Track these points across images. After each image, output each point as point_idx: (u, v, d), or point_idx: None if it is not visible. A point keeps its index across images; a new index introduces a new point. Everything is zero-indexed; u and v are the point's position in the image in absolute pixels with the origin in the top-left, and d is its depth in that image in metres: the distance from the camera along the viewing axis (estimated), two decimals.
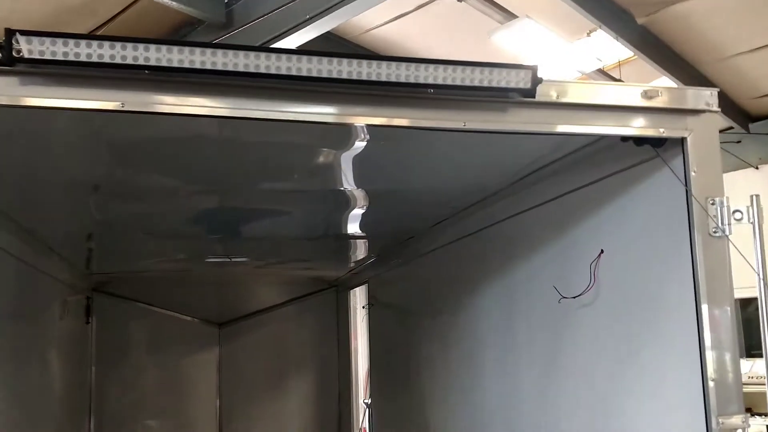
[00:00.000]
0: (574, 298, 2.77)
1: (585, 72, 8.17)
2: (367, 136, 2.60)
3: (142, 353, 7.61)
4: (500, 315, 3.84)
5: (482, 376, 4.09)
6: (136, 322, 7.61)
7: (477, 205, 3.93)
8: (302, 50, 2.59)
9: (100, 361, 7.04)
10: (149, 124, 2.52)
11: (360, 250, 6.12)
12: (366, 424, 7.46)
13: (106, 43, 1.95)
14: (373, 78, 2.09)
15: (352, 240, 5.63)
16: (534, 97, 2.25)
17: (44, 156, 2.91)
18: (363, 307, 6.92)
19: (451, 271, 4.71)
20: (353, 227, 4.97)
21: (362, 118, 2.24)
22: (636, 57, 7.43)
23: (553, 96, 2.31)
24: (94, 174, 3.35)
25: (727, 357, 2.27)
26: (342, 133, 2.57)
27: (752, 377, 7.36)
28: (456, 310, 4.57)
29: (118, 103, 2.01)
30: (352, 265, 6.83)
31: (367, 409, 7.30)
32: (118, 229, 4.85)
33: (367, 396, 7.49)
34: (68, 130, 2.62)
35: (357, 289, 7.56)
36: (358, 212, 4.33)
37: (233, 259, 6.01)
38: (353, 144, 2.75)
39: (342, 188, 3.66)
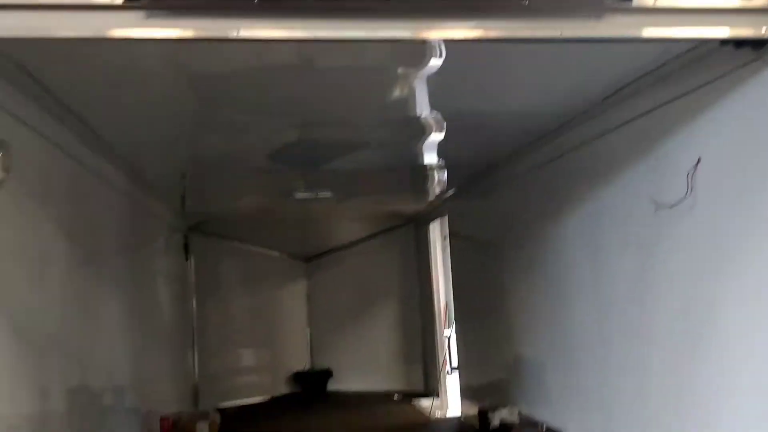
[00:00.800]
0: (671, 207, 2.77)
1: None
2: (455, 54, 2.65)
3: (237, 288, 8.11)
4: (589, 237, 3.86)
5: (570, 301, 4.16)
6: (230, 259, 8.08)
7: (564, 127, 3.91)
8: None
9: (200, 296, 7.55)
10: (236, 54, 2.68)
11: (439, 181, 6.19)
12: (447, 356, 7.69)
13: None
14: None
15: (431, 170, 5.71)
16: (631, 2, 2.23)
17: (147, 90, 3.12)
18: (444, 239, 7.04)
19: (536, 197, 4.73)
20: (432, 156, 5.05)
21: (454, 31, 2.29)
22: None
23: (649, 2, 2.28)
24: (193, 108, 3.56)
25: None
26: (427, 51, 2.63)
27: None
28: (541, 236, 4.61)
29: (234, 31, 2.15)
30: (431, 197, 6.93)
31: (448, 341, 7.54)
32: (211, 167, 5.12)
33: (447, 326, 7.71)
34: (171, 65, 2.81)
35: (436, 222, 7.69)
36: (437, 139, 4.36)
37: (319, 195, 6.23)
38: (440, 62, 2.80)
39: (421, 113, 3.73)
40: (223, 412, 6.46)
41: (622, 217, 3.38)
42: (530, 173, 4.71)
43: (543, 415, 4.64)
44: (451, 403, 7.07)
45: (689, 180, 2.73)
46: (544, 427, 4.53)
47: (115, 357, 4.29)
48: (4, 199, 2.54)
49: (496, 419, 5.06)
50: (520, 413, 5.04)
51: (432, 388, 7.74)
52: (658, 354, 3.13)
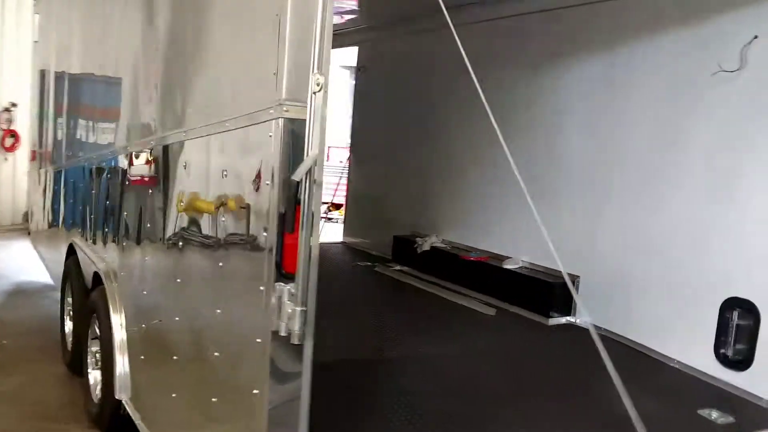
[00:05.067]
0: (732, 72, 3.68)
1: None
2: None
3: None
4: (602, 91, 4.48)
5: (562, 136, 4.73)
6: None
7: None
8: None
9: None
10: None
11: None
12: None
13: None
14: None
15: None
16: None
17: None
18: (359, 70, 7.25)
19: (515, 45, 5.12)
20: None
21: None
22: None
23: None
24: None
25: None
26: None
27: None
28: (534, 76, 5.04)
29: None
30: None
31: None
32: None
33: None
34: None
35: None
36: None
37: None
38: None
39: None
40: None
41: (654, 79, 4.09)
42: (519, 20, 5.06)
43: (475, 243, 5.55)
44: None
45: (743, 55, 3.50)
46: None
47: None
48: None
49: (426, 245, 5.89)
50: (444, 240, 5.94)
51: None
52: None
